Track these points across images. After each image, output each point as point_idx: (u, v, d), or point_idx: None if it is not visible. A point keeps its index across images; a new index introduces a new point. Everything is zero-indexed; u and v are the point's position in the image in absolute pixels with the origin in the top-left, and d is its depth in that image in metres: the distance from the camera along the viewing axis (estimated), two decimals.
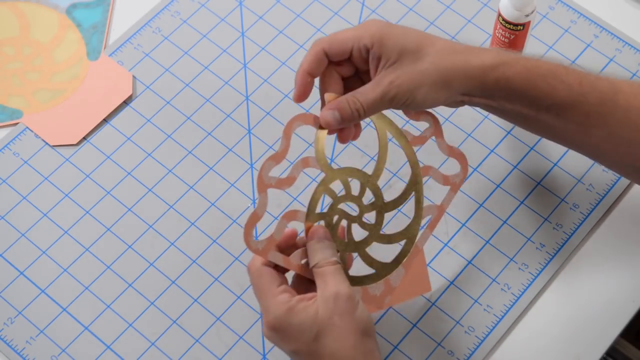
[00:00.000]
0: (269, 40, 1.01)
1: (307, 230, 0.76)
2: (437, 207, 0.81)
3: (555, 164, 0.94)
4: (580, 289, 0.89)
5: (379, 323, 0.87)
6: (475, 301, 0.88)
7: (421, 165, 0.80)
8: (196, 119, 0.97)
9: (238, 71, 1.00)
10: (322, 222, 0.77)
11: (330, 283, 0.73)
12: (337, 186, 0.79)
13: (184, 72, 1.00)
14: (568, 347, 0.86)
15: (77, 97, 0.98)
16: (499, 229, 0.91)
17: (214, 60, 1.00)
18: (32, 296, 0.89)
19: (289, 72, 0.99)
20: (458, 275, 0.89)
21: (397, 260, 0.80)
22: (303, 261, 0.76)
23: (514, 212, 0.92)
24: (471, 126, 0.96)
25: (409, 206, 0.81)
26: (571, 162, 0.94)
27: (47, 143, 0.96)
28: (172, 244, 0.91)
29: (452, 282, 0.89)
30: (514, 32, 0.92)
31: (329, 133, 0.77)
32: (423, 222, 0.81)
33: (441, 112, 0.96)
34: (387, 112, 0.79)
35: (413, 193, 0.80)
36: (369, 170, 0.80)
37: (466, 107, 0.83)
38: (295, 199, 0.93)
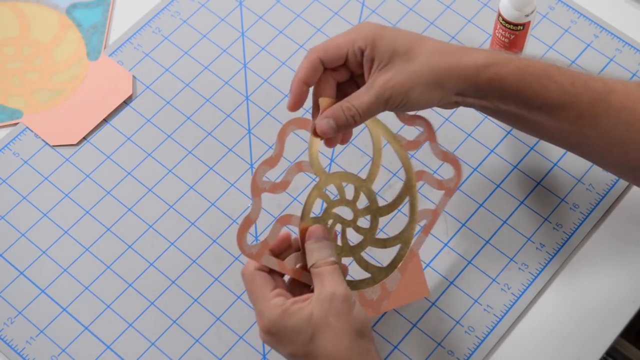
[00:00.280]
0: (269, 40, 1.01)
1: (302, 233, 0.76)
2: (431, 211, 0.81)
3: (555, 164, 0.94)
4: (580, 289, 0.89)
5: (379, 323, 0.87)
6: (475, 301, 0.88)
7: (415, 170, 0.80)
8: (196, 119, 0.97)
9: (238, 71, 1.00)
10: None
11: (327, 283, 0.73)
12: (332, 190, 0.79)
13: (184, 72, 1.00)
14: (568, 347, 0.86)
15: (77, 97, 0.98)
16: (499, 229, 0.91)
17: (214, 60, 1.00)
18: (32, 296, 0.89)
19: (289, 72, 0.99)
20: (458, 275, 0.89)
21: (393, 265, 0.80)
22: (297, 265, 0.76)
23: (514, 212, 0.92)
24: (471, 126, 0.96)
25: (405, 209, 0.81)
26: (571, 162, 0.94)
27: (47, 143, 0.96)
28: (172, 244, 0.91)
29: (452, 282, 0.89)
30: (514, 32, 0.92)
31: (323, 140, 0.77)
32: (418, 227, 0.81)
33: (441, 112, 0.96)
34: (382, 117, 0.79)
35: (407, 198, 0.80)
36: (367, 171, 0.80)
37: None
38: (295, 199, 0.93)
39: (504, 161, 0.95)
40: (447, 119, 0.96)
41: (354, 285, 0.78)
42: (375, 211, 0.80)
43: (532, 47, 1.00)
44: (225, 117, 0.97)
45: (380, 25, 0.76)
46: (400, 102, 0.75)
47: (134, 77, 0.99)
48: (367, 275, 0.79)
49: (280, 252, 0.76)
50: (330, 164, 0.94)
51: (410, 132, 0.83)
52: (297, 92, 0.76)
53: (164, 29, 1.02)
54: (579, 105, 0.77)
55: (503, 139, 0.96)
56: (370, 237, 0.80)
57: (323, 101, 0.76)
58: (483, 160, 0.95)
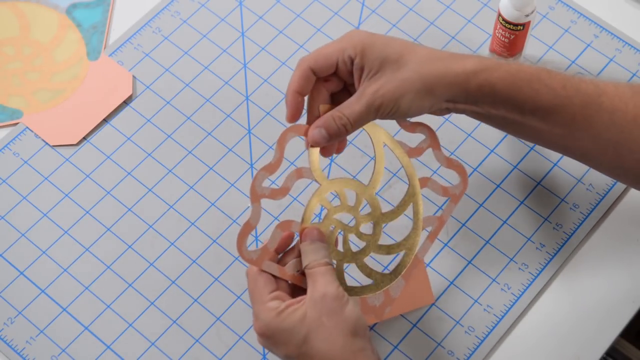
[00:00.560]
0: (269, 40, 1.01)
1: (301, 235, 0.77)
2: (437, 218, 0.80)
3: (555, 164, 0.94)
4: (580, 289, 0.89)
5: (378, 323, 0.87)
6: (475, 301, 0.88)
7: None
8: (196, 119, 0.97)
9: (238, 71, 1.00)
10: None
11: (319, 284, 0.73)
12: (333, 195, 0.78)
13: (184, 72, 1.00)
14: (568, 347, 0.86)
15: (77, 97, 0.98)
16: (499, 229, 0.91)
17: (214, 60, 1.00)
18: (32, 296, 0.89)
19: (289, 72, 0.99)
20: (458, 275, 0.89)
21: (397, 271, 0.80)
22: (297, 271, 0.76)
23: (514, 212, 0.92)
24: (471, 126, 0.96)
25: (409, 214, 0.81)
26: (571, 163, 0.94)
27: (47, 143, 0.96)
28: (172, 244, 0.91)
29: (452, 282, 0.89)
30: (514, 32, 0.92)
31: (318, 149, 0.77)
32: (424, 232, 0.81)
33: None
34: (384, 124, 0.79)
35: (411, 204, 0.80)
36: (367, 172, 0.80)
37: None
38: (295, 199, 0.93)
39: (504, 161, 0.95)
40: (447, 119, 0.96)
41: (357, 291, 0.78)
42: (379, 218, 0.80)
43: (532, 47, 1.00)
44: (225, 117, 0.97)
45: (370, 33, 0.76)
46: (390, 110, 0.75)
47: (134, 77, 0.99)
48: (370, 281, 0.79)
49: (282, 250, 0.76)
50: (330, 165, 0.94)
51: (412, 138, 0.83)
52: (293, 103, 0.76)
53: (164, 29, 1.02)
54: (571, 108, 0.77)
55: (503, 139, 0.96)
56: (373, 244, 0.79)
57: (322, 108, 0.76)
58: (483, 160, 0.95)
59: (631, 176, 0.80)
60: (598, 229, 0.92)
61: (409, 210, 0.80)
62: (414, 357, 0.86)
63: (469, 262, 0.90)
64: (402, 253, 0.80)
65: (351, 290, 0.78)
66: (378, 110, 0.75)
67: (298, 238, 0.77)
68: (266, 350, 0.86)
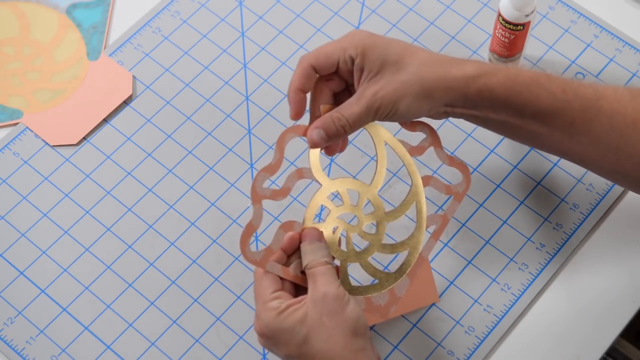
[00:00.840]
0: (269, 40, 1.01)
1: (301, 236, 0.77)
2: (441, 216, 0.80)
3: (555, 164, 0.94)
4: (580, 289, 0.89)
5: (379, 323, 0.87)
6: (475, 301, 0.88)
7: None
8: (196, 119, 0.97)
9: (238, 71, 1.00)
10: None
11: (319, 284, 0.73)
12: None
13: (184, 72, 1.00)
14: (568, 347, 0.86)
15: (77, 97, 0.98)
16: (499, 229, 0.91)
17: (214, 60, 1.00)
18: (32, 296, 0.89)
19: (289, 72, 0.99)
20: (458, 275, 0.89)
21: (402, 270, 0.80)
22: (300, 272, 0.76)
23: (514, 212, 0.92)
24: (471, 126, 0.96)
25: (412, 213, 0.81)
26: (571, 163, 0.93)
27: (47, 143, 0.96)
28: (172, 244, 0.91)
29: (452, 282, 0.89)
30: (514, 32, 0.92)
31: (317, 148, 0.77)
32: (427, 232, 0.80)
33: None
34: (384, 123, 0.79)
35: (414, 203, 0.80)
36: (367, 172, 0.80)
37: None
38: (295, 199, 0.93)
39: (504, 161, 0.95)
40: (447, 119, 0.96)
41: (361, 290, 0.78)
42: (382, 217, 0.80)
43: (532, 47, 1.00)
44: (225, 117, 0.97)
45: (371, 34, 0.76)
46: (389, 112, 0.75)
47: (134, 77, 0.99)
48: (375, 280, 0.79)
49: (290, 251, 0.77)
50: (330, 164, 0.94)
51: (414, 137, 0.83)
52: (295, 101, 0.76)
53: (164, 29, 1.02)
54: (570, 112, 0.77)
55: (503, 139, 0.96)
56: (377, 243, 0.79)
57: (323, 108, 0.76)
58: (483, 160, 0.95)
59: (630, 180, 0.81)
60: (598, 229, 0.92)
61: (411, 210, 0.80)
62: (414, 357, 0.86)
63: (469, 262, 0.90)
64: (405, 252, 0.80)
65: (356, 290, 0.78)
66: (377, 112, 0.75)
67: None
68: (266, 350, 0.86)
